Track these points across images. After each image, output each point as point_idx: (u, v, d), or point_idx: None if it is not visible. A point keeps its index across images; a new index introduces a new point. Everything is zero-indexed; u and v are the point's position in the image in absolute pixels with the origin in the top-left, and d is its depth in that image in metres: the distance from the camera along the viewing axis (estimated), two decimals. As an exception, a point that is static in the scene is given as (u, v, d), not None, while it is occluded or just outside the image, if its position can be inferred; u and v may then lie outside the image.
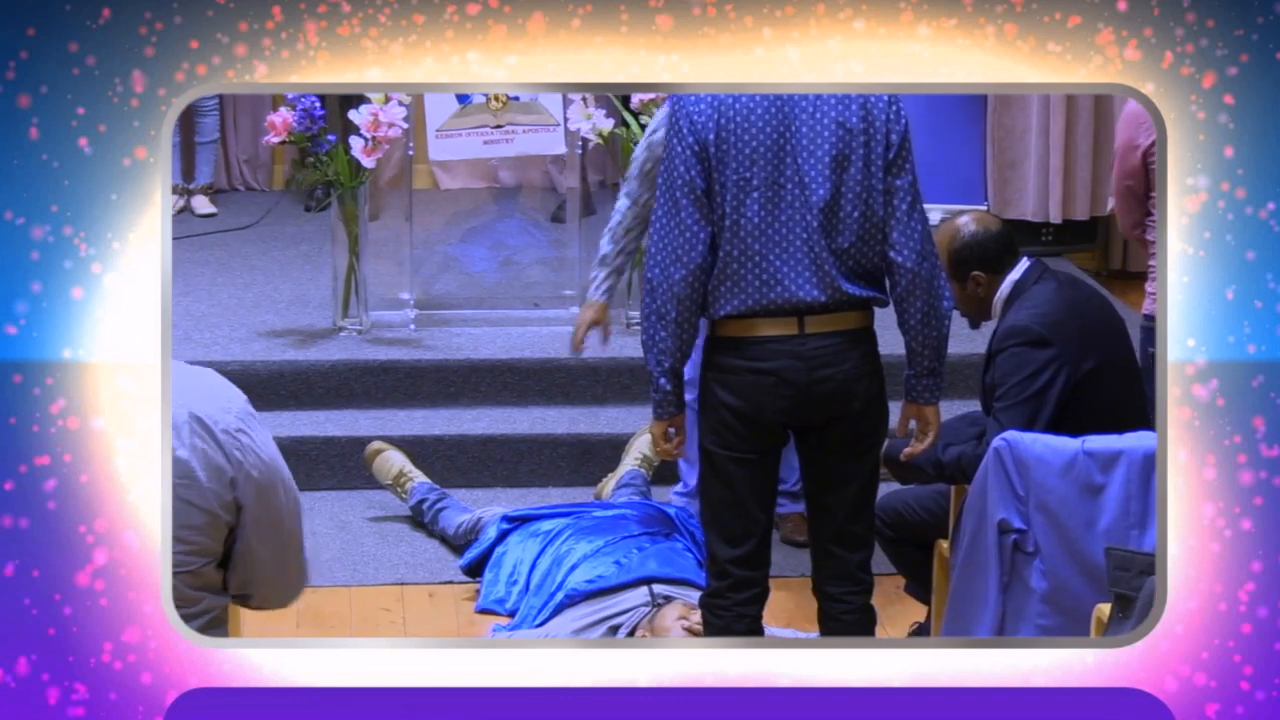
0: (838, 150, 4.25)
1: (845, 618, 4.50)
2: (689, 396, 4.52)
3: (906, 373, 4.44)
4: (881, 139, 4.27)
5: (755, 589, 4.49)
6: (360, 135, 6.65)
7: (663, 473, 6.37)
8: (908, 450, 4.52)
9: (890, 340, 4.53)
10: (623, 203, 5.65)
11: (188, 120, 8.64)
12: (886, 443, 4.64)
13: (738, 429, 4.36)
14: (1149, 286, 5.58)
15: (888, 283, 4.37)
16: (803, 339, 4.32)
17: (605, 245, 5.67)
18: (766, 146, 4.25)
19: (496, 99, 6.84)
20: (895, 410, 4.51)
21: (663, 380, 4.37)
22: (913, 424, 4.49)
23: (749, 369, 4.33)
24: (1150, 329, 5.40)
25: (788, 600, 5.51)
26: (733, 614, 4.47)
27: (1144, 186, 5.57)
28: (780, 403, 4.33)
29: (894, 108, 4.27)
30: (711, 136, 4.24)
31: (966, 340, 5.68)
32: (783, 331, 4.31)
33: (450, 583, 5.91)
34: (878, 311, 4.42)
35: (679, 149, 4.26)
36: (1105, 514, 4.60)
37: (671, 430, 4.46)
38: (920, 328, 4.35)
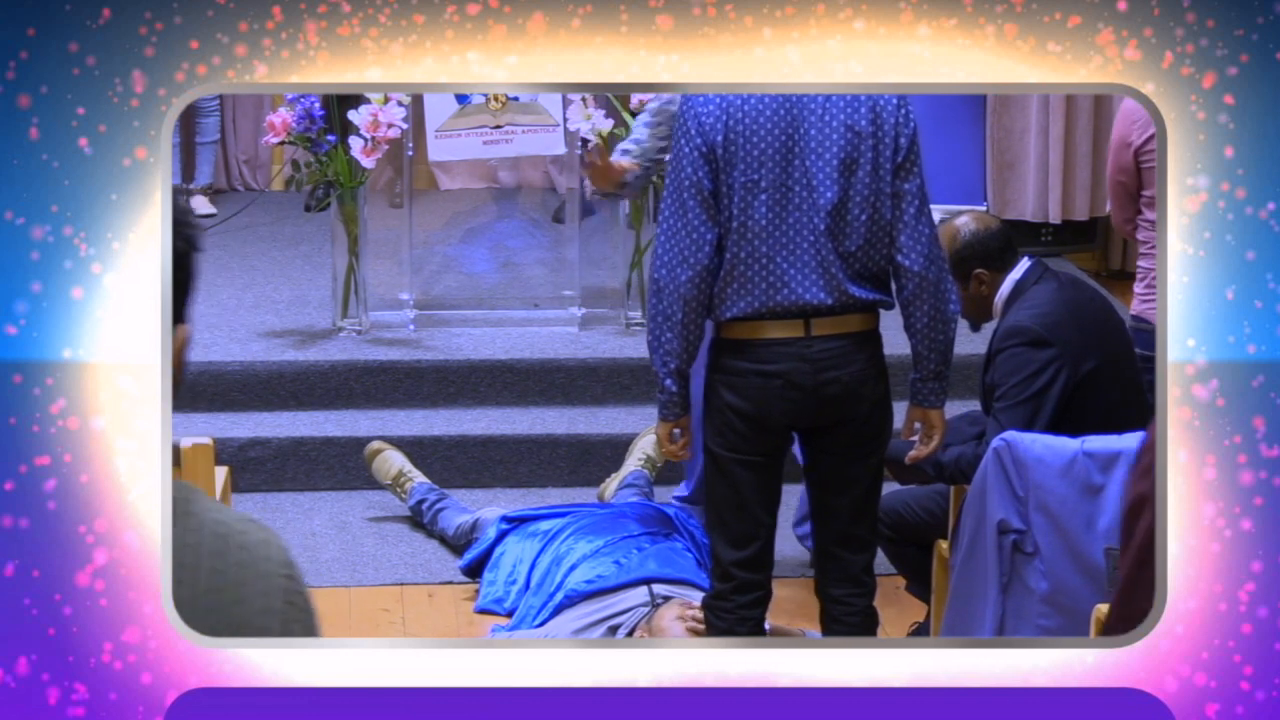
0: (846, 153, 4.23)
1: (848, 620, 4.50)
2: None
3: (912, 376, 4.43)
4: (890, 142, 4.25)
5: (758, 591, 4.49)
6: (360, 135, 6.65)
7: (666, 474, 6.37)
8: (912, 454, 4.52)
9: (893, 341, 4.53)
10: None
11: (188, 120, 8.64)
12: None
13: (743, 431, 4.36)
14: (1137, 287, 5.59)
15: (894, 286, 4.37)
16: (809, 341, 4.31)
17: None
18: (774, 148, 4.23)
19: (496, 99, 6.84)
20: (898, 411, 4.52)
21: (668, 382, 4.37)
22: (917, 427, 4.49)
23: (755, 371, 4.32)
24: (1138, 329, 5.40)
25: (787, 601, 5.51)
26: (735, 616, 4.46)
27: (1136, 184, 5.58)
28: (786, 405, 4.33)
29: (903, 111, 4.26)
30: (719, 138, 4.22)
31: (966, 340, 5.68)
32: (789, 334, 4.31)
33: (450, 583, 5.91)
34: (882, 313, 4.42)
35: (686, 150, 4.25)
36: (1105, 514, 4.60)
37: (676, 431, 4.46)
38: (927, 331, 4.35)
